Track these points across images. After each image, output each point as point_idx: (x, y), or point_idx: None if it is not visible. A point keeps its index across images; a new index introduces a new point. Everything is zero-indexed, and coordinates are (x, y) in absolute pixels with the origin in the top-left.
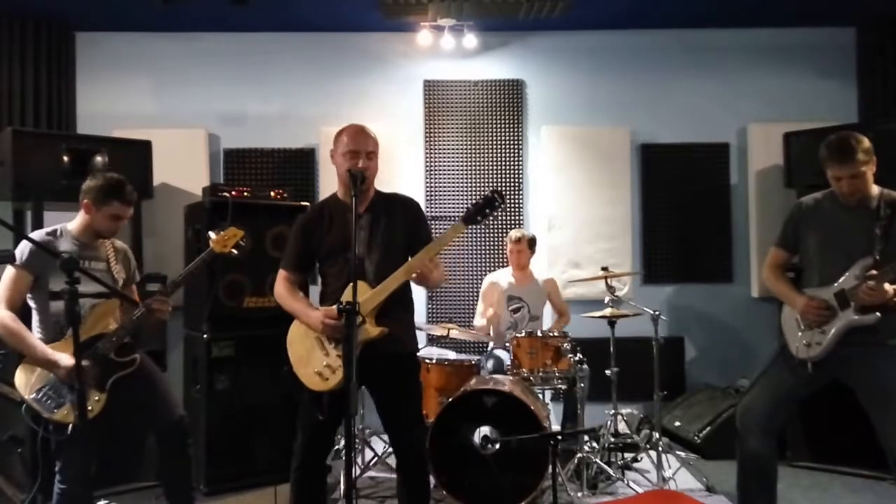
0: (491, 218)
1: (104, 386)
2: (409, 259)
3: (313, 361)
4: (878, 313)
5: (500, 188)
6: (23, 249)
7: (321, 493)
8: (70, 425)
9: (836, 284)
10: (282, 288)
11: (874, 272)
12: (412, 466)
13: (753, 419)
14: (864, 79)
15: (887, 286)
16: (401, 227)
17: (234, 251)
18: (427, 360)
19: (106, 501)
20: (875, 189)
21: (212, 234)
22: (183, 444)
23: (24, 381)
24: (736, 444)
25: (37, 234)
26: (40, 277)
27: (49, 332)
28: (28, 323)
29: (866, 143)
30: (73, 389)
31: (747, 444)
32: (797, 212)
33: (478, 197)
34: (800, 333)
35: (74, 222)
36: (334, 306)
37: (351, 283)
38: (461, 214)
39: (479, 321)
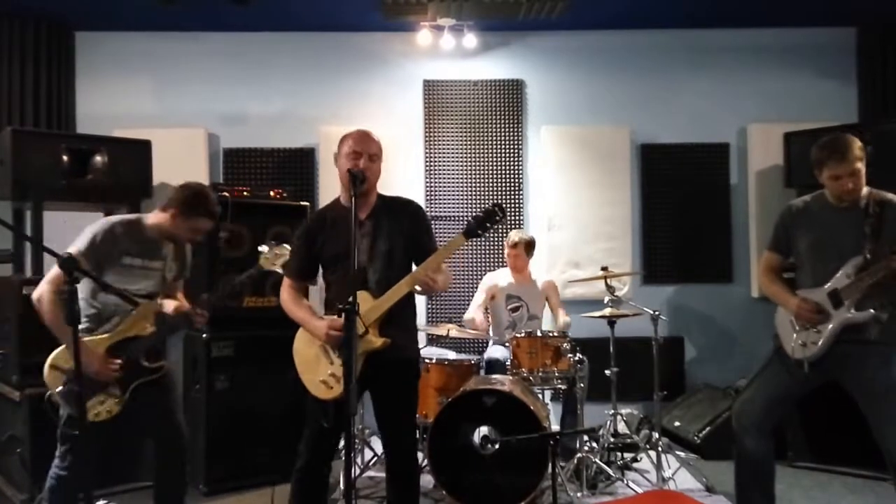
0: (492, 231)
1: (126, 388)
2: (414, 268)
3: (318, 369)
4: (871, 311)
5: (499, 188)
6: (95, 233)
7: (322, 496)
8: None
9: (828, 284)
10: (286, 295)
11: (871, 268)
12: (403, 472)
13: (749, 419)
14: (864, 79)
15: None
16: (404, 233)
17: (280, 270)
18: (427, 360)
19: (105, 501)
20: (864, 189)
21: (263, 249)
22: (180, 458)
23: (50, 376)
24: (733, 444)
25: (111, 220)
26: (99, 266)
27: (88, 322)
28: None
29: (858, 141)
30: (99, 386)
31: (744, 444)
32: (787, 215)
33: (478, 207)
34: (795, 334)
35: (153, 219)
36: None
37: (355, 290)
38: (462, 226)
39: (469, 314)
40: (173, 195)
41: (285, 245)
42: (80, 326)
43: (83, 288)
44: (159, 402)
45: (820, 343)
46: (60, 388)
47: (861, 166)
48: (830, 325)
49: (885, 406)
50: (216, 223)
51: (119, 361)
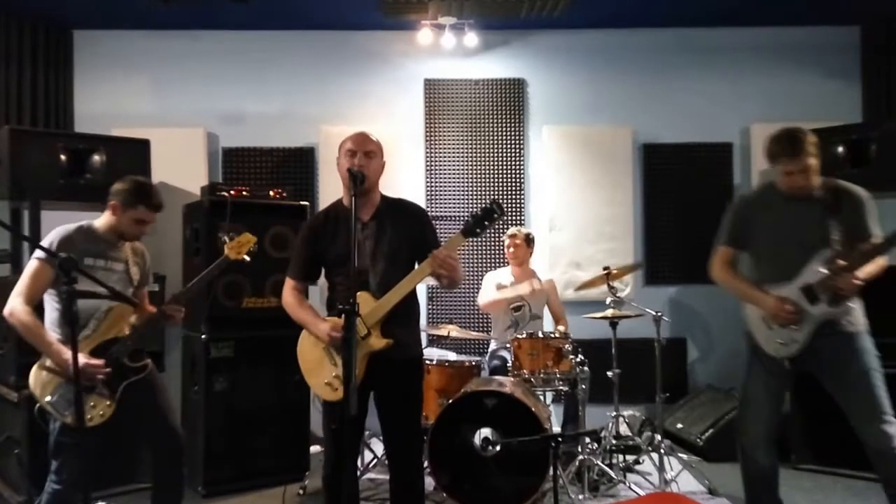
0: (490, 229)
1: (115, 391)
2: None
3: (323, 372)
4: (847, 303)
5: (500, 188)
6: (51, 241)
7: (353, 499)
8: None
9: (798, 279)
10: (290, 297)
11: (843, 263)
12: (407, 476)
13: (758, 435)
14: (868, 78)
15: (859, 273)
16: (407, 236)
17: (247, 258)
18: (428, 361)
19: (105, 502)
20: (818, 179)
21: (225, 240)
22: (178, 460)
23: (39, 383)
24: (740, 461)
25: (64, 228)
26: None
27: (64, 331)
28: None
29: (812, 136)
30: (86, 390)
31: (755, 459)
32: (743, 207)
33: (478, 207)
34: (771, 331)
35: (100, 221)
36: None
37: (357, 292)
38: (461, 224)
39: (483, 299)
40: (114, 189)
41: (247, 233)
42: (58, 337)
43: (54, 300)
44: (150, 401)
45: (801, 340)
46: (49, 397)
47: (813, 161)
48: (810, 322)
49: (860, 393)
50: (157, 213)
51: (102, 361)
